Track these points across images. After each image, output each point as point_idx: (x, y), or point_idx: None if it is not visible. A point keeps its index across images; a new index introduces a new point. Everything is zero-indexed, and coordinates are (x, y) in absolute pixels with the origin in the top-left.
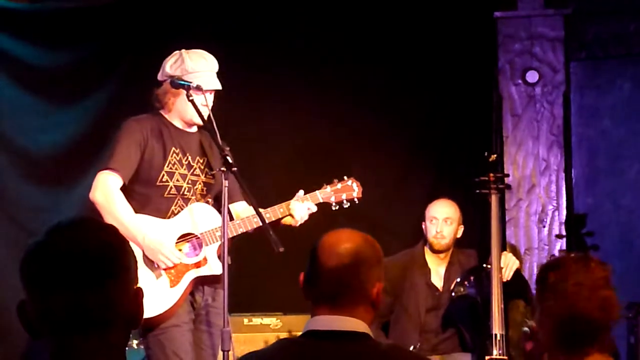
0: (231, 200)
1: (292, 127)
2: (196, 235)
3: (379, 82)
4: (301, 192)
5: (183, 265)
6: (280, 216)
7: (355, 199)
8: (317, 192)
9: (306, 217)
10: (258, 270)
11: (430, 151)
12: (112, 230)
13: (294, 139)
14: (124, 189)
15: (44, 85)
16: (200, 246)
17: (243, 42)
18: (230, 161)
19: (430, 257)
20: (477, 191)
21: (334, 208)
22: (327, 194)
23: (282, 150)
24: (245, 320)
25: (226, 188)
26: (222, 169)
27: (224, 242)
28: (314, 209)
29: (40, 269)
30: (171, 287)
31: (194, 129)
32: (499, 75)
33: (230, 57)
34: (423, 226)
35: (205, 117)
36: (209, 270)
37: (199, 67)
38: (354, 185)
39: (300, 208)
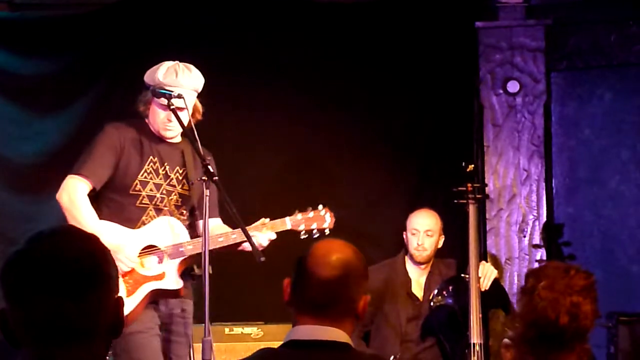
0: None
1: (274, 139)
2: (159, 248)
3: (361, 92)
4: (266, 219)
5: (141, 276)
6: (245, 239)
7: (326, 230)
8: (287, 218)
9: (265, 245)
10: (239, 280)
11: (411, 161)
12: (94, 240)
13: (276, 150)
14: (97, 195)
15: (25, 94)
16: (162, 260)
17: (229, 52)
18: (212, 170)
19: (411, 267)
20: (455, 201)
21: (302, 237)
22: (297, 221)
23: (264, 161)
24: (226, 330)
25: (207, 197)
26: (203, 178)
27: (204, 251)
28: (274, 237)
29: (20, 277)
30: (127, 296)
31: (178, 139)
32: (480, 85)
33: (215, 66)
34: (404, 236)
35: (169, 133)
36: (167, 284)
37: (166, 81)
38: (327, 215)
39: (260, 238)
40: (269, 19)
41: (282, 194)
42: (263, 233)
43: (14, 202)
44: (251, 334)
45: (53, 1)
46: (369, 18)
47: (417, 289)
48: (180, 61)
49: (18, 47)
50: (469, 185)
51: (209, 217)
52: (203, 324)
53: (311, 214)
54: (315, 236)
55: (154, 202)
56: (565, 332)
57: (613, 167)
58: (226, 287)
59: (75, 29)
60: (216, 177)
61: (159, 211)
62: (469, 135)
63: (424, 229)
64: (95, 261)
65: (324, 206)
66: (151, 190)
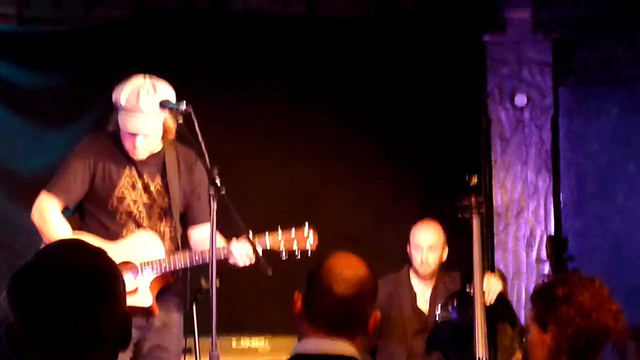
0: (195, 222)
1: (280, 152)
2: (134, 264)
3: (369, 106)
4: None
5: None
6: (222, 257)
7: (309, 251)
8: (266, 235)
9: (247, 261)
10: (246, 292)
11: (419, 174)
12: (102, 254)
13: (281, 165)
14: (82, 210)
15: (34, 107)
16: (137, 276)
17: (234, 67)
18: (219, 184)
19: (415, 281)
20: (459, 215)
21: (283, 257)
22: (276, 241)
23: (270, 174)
24: (234, 343)
25: (215, 211)
26: (211, 192)
27: (211, 264)
28: (252, 254)
29: (28, 291)
30: None
31: (158, 148)
32: (487, 99)
33: (221, 81)
34: (408, 250)
35: (138, 156)
36: (138, 301)
37: (128, 106)
38: (310, 234)
39: (239, 249)
40: (275, 33)
41: (287, 207)
42: (242, 245)
43: (22, 215)
44: (258, 347)
45: (61, 16)
46: (377, 32)
47: (423, 303)
48: (185, 76)
49: (26, 61)
50: (473, 199)
51: (199, 223)
52: (210, 337)
53: (293, 233)
54: (298, 257)
55: (132, 217)
56: (609, 339)
57: (621, 182)
58: (233, 300)
59: (83, 43)
60: (223, 192)
61: (139, 226)
62: (477, 149)
63: (427, 245)
64: (102, 275)
65: (310, 225)
66: (128, 206)
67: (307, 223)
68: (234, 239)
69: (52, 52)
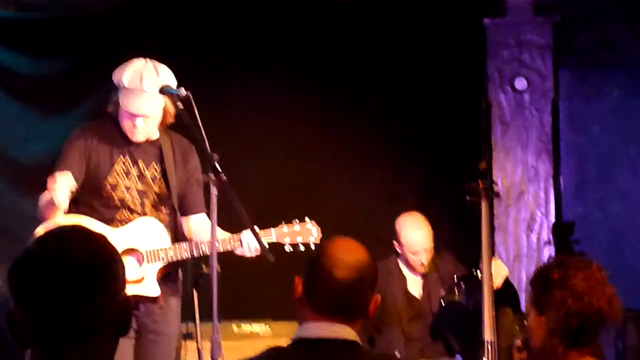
0: (191, 211)
1: (279, 136)
2: (139, 251)
3: (368, 91)
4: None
5: None
6: (229, 248)
7: (312, 244)
8: (272, 229)
9: (255, 253)
10: (248, 277)
11: (419, 158)
12: (103, 240)
13: (280, 148)
14: (75, 200)
15: (33, 94)
16: (142, 263)
17: (234, 54)
18: (220, 169)
19: (405, 268)
20: (468, 198)
21: (287, 249)
22: (282, 233)
23: (268, 159)
24: (235, 328)
25: (215, 196)
26: (211, 176)
27: (212, 250)
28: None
29: (28, 278)
30: None
31: (155, 136)
32: (487, 83)
33: (221, 68)
34: (399, 248)
35: (137, 137)
36: (144, 290)
37: (131, 86)
38: (314, 229)
39: (249, 240)
40: (275, 19)
41: (285, 191)
42: (252, 235)
43: (22, 201)
44: (260, 331)
45: (60, 2)
46: (377, 16)
47: (414, 288)
48: (184, 63)
49: (25, 48)
50: (481, 182)
51: (192, 213)
52: (211, 322)
53: (297, 226)
54: (302, 249)
55: (126, 204)
56: (604, 322)
57: (621, 165)
58: (235, 285)
59: (83, 29)
60: (224, 178)
61: (131, 211)
62: (477, 133)
63: (424, 248)
64: (104, 261)
65: (311, 219)
66: (122, 192)
67: (307, 219)
68: (243, 231)
69: (52, 38)
